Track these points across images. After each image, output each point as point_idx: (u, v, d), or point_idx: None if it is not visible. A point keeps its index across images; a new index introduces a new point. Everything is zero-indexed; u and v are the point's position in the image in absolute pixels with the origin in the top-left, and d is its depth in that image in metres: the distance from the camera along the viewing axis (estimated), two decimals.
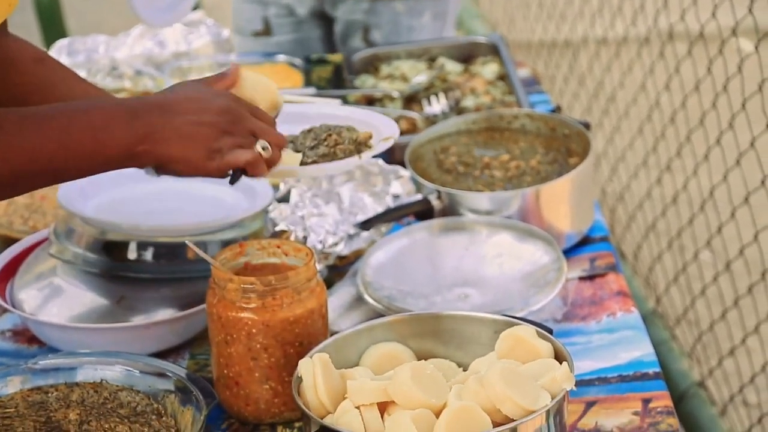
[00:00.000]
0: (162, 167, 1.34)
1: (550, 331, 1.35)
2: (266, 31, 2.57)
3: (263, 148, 1.37)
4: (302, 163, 1.48)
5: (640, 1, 2.94)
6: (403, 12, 2.44)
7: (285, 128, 1.51)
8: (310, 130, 1.54)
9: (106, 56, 2.23)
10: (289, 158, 1.48)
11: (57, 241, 1.67)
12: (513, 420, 1.22)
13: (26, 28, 3.34)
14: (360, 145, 1.52)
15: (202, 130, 1.32)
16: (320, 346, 1.38)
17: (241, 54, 2.34)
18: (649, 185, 3.04)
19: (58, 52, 2.23)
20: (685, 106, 2.65)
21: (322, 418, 1.28)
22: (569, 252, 1.74)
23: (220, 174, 1.36)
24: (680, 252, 2.92)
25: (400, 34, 2.47)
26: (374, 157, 1.52)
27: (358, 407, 1.27)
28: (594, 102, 3.40)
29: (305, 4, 2.53)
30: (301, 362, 1.32)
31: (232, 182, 1.38)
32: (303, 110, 1.62)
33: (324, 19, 2.55)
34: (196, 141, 1.32)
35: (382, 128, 1.56)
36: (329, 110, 1.63)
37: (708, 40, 2.50)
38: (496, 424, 1.23)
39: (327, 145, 1.50)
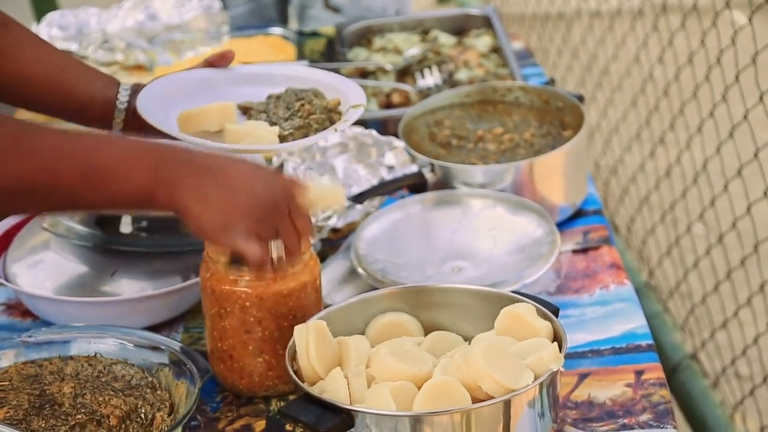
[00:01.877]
0: (176, 214, 1.28)
1: (556, 311, 1.35)
2: (223, 5, 2.51)
3: (276, 249, 1.31)
4: (280, 137, 1.48)
5: None
6: None
7: (251, 91, 1.52)
8: (279, 98, 1.54)
9: (98, 29, 2.22)
10: (267, 135, 1.48)
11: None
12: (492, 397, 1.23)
13: (16, 1, 3.32)
14: (331, 113, 1.52)
15: (229, 204, 1.27)
16: (314, 318, 1.38)
17: (234, 28, 2.33)
18: (643, 158, 3.04)
19: (49, 24, 2.21)
20: (678, 78, 2.64)
21: (312, 385, 1.29)
22: (562, 225, 1.75)
23: (224, 248, 1.33)
24: (673, 225, 2.92)
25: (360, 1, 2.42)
26: (367, 128, 1.51)
27: (345, 376, 1.28)
28: (587, 75, 3.39)
29: None
30: (296, 328, 1.33)
31: (230, 263, 1.37)
32: (267, 71, 1.60)
33: None
34: (217, 211, 1.27)
35: (348, 93, 1.55)
36: (293, 72, 1.61)
37: (701, 13, 2.49)
38: (476, 400, 1.23)
39: (301, 116, 1.50)
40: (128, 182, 1.24)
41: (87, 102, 1.51)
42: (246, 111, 1.54)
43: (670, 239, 2.88)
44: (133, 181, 1.24)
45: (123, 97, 1.52)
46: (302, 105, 1.51)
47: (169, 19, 2.27)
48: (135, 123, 1.51)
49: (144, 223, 1.64)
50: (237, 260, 1.38)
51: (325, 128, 1.50)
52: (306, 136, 1.49)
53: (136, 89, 1.52)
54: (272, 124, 1.50)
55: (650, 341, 1.51)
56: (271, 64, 1.69)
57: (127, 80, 2.14)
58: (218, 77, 1.56)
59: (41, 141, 1.22)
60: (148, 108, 1.48)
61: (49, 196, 1.22)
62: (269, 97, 1.54)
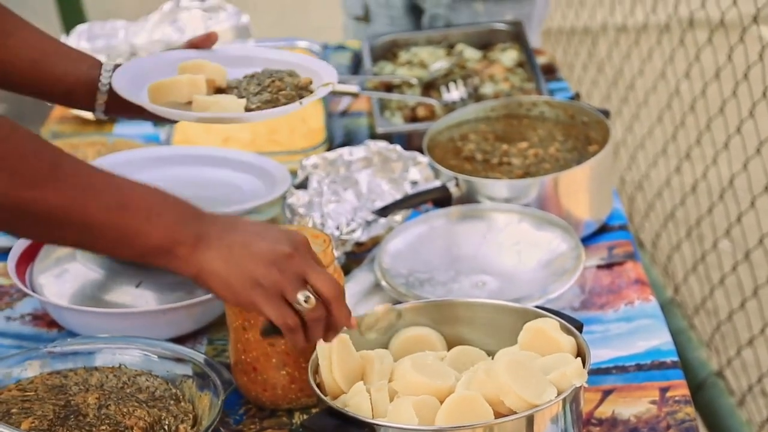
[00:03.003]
0: (197, 277, 1.23)
1: (580, 326, 1.35)
2: (366, 17, 2.57)
3: (305, 300, 1.23)
4: (247, 110, 1.50)
5: None
6: (482, 13, 2.40)
7: (230, 72, 1.56)
8: (253, 76, 1.57)
9: (125, 42, 2.23)
10: (233, 104, 1.51)
11: None
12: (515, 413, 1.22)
13: (45, 14, 3.35)
14: (302, 90, 1.55)
15: (253, 258, 1.22)
16: None
17: (260, 41, 2.34)
18: (669, 173, 3.03)
19: (78, 37, 2.23)
20: (705, 94, 2.63)
21: (335, 398, 1.29)
22: (587, 240, 1.74)
23: (252, 308, 1.25)
24: (699, 241, 2.91)
25: None
26: (392, 143, 1.52)
27: (368, 390, 1.28)
28: (613, 89, 3.39)
29: None
30: (319, 341, 1.33)
31: (264, 335, 1.29)
32: (247, 54, 1.63)
33: (416, 14, 2.52)
34: (242, 266, 1.22)
35: (322, 73, 1.58)
36: (273, 55, 1.64)
37: (729, 28, 2.48)
38: (498, 416, 1.23)
39: (270, 92, 1.52)
40: (154, 228, 1.21)
41: (73, 85, 1.53)
42: (219, 88, 1.57)
43: (696, 255, 2.87)
44: (158, 228, 1.21)
45: (105, 78, 1.53)
46: (273, 82, 1.54)
47: (197, 32, 2.29)
48: (117, 104, 1.52)
49: None
50: (271, 329, 1.28)
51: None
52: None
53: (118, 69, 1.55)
54: (241, 98, 1.53)
55: (675, 358, 1.50)
56: (255, 46, 1.74)
57: None
58: (199, 58, 1.59)
59: (78, 172, 1.21)
60: (122, 82, 1.51)
61: (72, 228, 1.20)
62: (245, 76, 1.57)
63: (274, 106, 1.51)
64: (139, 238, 1.21)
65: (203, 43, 1.60)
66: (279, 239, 1.24)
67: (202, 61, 1.58)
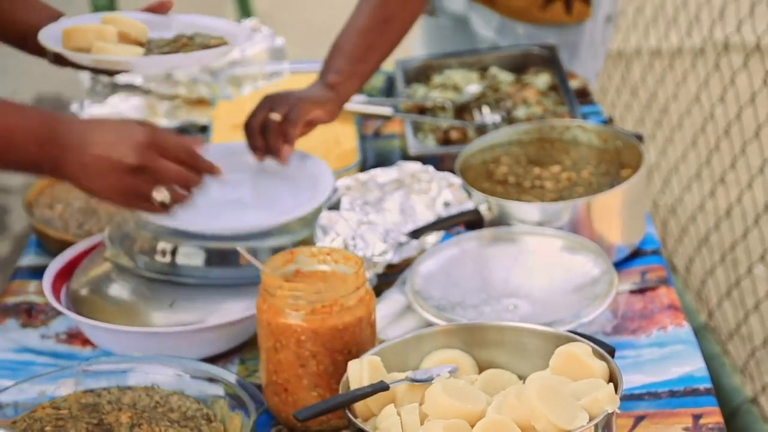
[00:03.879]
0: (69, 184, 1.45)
1: (612, 351, 1.34)
2: (432, 11, 2.52)
3: (162, 199, 1.46)
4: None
5: (695, 12, 2.91)
6: (523, 35, 2.38)
7: (154, 33, 1.65)
8: (174, 37, 1.66)
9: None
10: (128, 51, 1.59)
11: (111, 245, 1.70)
12: None
13: (78, 2, 3.38)
14: (206, 48, 1.62)
15: (106, 172, 1.42)
16: (368, 353, 1.38)
17: (294, 62, 2.35)
18: (702, 198, 3.01)
19: None
20: (740, 118, 2.62)
21: (365, 421, 1.29)
22: (620, 265, 1.73)
23: (117, 203, 1.47)
24: (733, 266, 2.88)
25: None
26: (424, 164, 1.51)
27: (398, 413, 1.28)
28: (647, 113, 3.37)
29: (456, 1, 2.47)
30: (350, 363, 1.33)
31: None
32: (180, 20, 1.71)
33: (464, 35, 2.50)
34: (99, 179, 1.43)
35: (241, 38, 1.66)
36: (203, 21, 1.72)
37: (764, 52, 2.47)
38: None
39: (175, 47, 1.62)
40: (19, 152, 1.41)
41: (28, 30, 1.63)
42: (137, 42, 1.65)
43: (730, 280, 2.84)
44: (22, 153, 1.41)
45: None
46: (183, 39, 1.64)
47: (232, 54, 2.31)
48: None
49: (203, 255, 1.66)
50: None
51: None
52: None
53: None
54: (148, 50, 1.62)
55: (709, 384, 1.49)
56: (201, 16, 1.80)
57: (188, 114, 2.19)
58: (147, 20, 1.67)
59: None
60: (51, 30, 1.61)
61: None
62: (168, 36, 1.66)
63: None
64: (10, 161, 1.42)
65: (159, 8, 1.69)
66: (126, 152, 1.42)
67: (123, 17, 1.65)
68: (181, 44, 1.62)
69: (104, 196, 1.45)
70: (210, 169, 1.50)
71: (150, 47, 1.62)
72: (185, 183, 1.48)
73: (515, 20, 2.38)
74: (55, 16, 1.66)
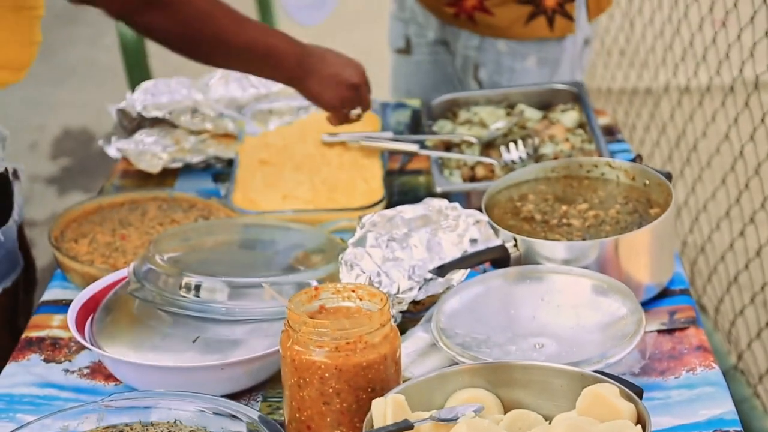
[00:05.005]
0: (302, 92, 2.00)
1: (640, 392, 1.32)
2: (407, 49, 2.62)
3: (357, 114, 2.07)
4: None
5: (725, 50, 2.90)
6: (505, 52, 2.42)
7: None
8: None
9: (189, 98, 2.27)
10: None
11: (136, 280, 1.69)
12: None
13: (112, 69, 3.42)
14: None
15: (335, 86, 1.99)
16: (393, 391, 1.37)
17: None
18: (732, 238, 2.98)
19: (143, 92, 2.27)
20: None
21: None
22: (648, 304, 1.71)
23: (332, 110, 2.04)
24: (764, 307, 2.85)
25: (501, 75, 2.45)
26: (451, 201, 1.51)
27: None
28: (675, 151, 3.35)
29: (433, 28, 2.54)
30: (374, 402, 1.32)
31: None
32: None
33: (450, 50, 2.57)
34: (330, 90, 1.99)
35: None
36: None
37: None
38: None
39: None
40: (281, 66, 1.94)
41: None
42: None
43: (761, 322, 2.81)
44: (283, 67, 1.94)
45: None
46: None
47: (258, 90, 2.31)
48: None
49: (227, 291, 1.65)
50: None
51: None
52: None
53: None
54: None
55: (739, 428, 1.47)
56: None
57: (215, 149, 2.20)
58: None
59: (249, 24, 1.92)
60: None
61: (244, 61, 1.94)
62: None
63: None
64: (267, 68, 1.97)
65: None
66: (352, 73, 2.01)
67: None
68: None
69: (328, 102, 2.00)
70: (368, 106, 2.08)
71: None
72: (368, 107, 2.07)
73: (496, 38, 2.42)
74: None
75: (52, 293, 1.86)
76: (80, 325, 1.67)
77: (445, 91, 2.61)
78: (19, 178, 1.94)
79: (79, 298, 1.72)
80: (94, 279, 1.78)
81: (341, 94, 2.00)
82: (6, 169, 1.89)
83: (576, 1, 2.41)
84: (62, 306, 1.80)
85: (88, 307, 1.71)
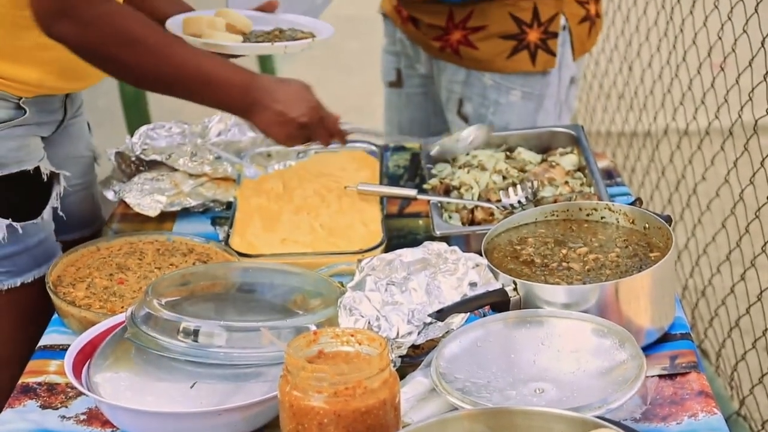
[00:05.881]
0: (248, 120, 1.95)
1: None
2: (398, 82, 2.67)
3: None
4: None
5: (723, 94, 2.91)
6: (490, 85, 2.47)
7: (257, 26, 2.08)
8: (273, 31, 2.06)
9: (187, 142, 2.27)
10: (229, 37, 2.01)
11: (133, 324, 1.68)
12: None
13: (111, 112, 3.43)
14: (295, 41, 2.02)
15: (282, 123, 1.93)
16: None
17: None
18: (733, 281, 2.97)
19: (141, 137, 2.27)
20: None
21: None
22: (649, 349, 1.70)
23: (282, 145, 2.01)
24: (766, 351, 2.83)
25: (487, 109, 2.49)
26: (450, 245, 1.50)
27: None
28: (675, 195, 3.35)
29: (422, 61, 2.59)
30: None
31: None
32: (280, 17, 2.13)
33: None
34: (276, 127, 1.93)
35: (324, 33, 2.07)
36: (296, 19, 2.13)
37: None
38: None
39: (267, 38, 2.04)
40: (224, 96, 1.89)
41: (163, 20, 2.03)
42: (242, 33, 2.06)
43: (763, 367, 2.79)
44: (226, 97, 1.89)
45: None
46: (276, 32, 2.05)
47: (258, 133, 2.32)
48: None
49: (225, 335, 1.64)
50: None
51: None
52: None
53: None
54: (246, 39, 2.03)
55: None
56: (299, 16, 2.16)
57: (213, 192, 2.20)
58: (255, 16, 2.10)
59: (181, 49, 1.87)
60: (175, 19, 2.04)
61: (178, 86, 1.87)
62: (265, 30, 2.07)
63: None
64: (213, 100, 1.90)
65: (267, 7, 2.15)
66: (301, 111, 1.93)
67: (233, 12, 2.06)
68: (273, 36, 2.04)
69: (276, 138, 1.95)
70: (341, 139, 2.03)
71: (249, 37, 2.04)
72: (326, 143, 2.02)
73: (482, 71, 2.45)
74: (187, 9, 2.09)
75: (49, 338, 1.85)
76: (77, 371, 1.66)
77: (436, 123, 2.65)
78: (60, 183, 2.05)
79: (77, 343, 1.71)
80: (92, 324, 1.77)
81: (288, 132, 1.94)
82: (51, 173, 2.02)
83: (560, 39, 2.46)
84: (59, 351, 1.79)
85: (86, 353, 1.70)
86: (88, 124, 2.22)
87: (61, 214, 2.06)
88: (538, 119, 2.51)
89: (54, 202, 2.03)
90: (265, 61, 4.40)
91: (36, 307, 1.98)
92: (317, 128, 1.96)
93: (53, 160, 2.05)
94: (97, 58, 1.82)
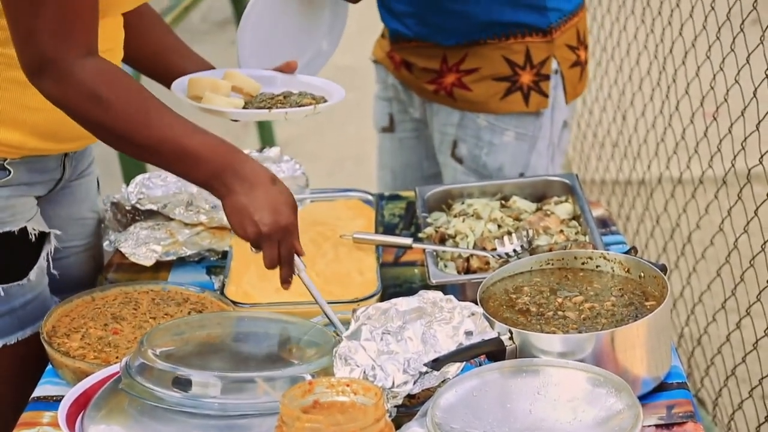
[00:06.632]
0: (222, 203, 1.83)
1: None
2: (391, 127, 2.69)
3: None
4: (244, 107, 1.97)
5: (716, 143, 2.92)
6: (484, 126, 2.49)
7: (267, 89, 2.04)
8: (281, 94, 2.01)
9: (183, 191, 2.27)
10: (228, 103, 1.95)
11: (128, 375, 1.68)
12: None
13: (107, 162, 3.43)
14: (300, 107, 1.96)
15: (243, 219, 1.80)
16: None
17: (315, 191, 2.37)
18: (729, 330, 2.96)
19: (138, 185, 2.27)
20: (765, 250, 2.59)
21: None
22: (645, 398, 1.69)
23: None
24: (763, 401, 2.82)
25: (481, 150, 2.50)
26: (446, 293, 1.50)
27: None
28: (670, 243, 3.36)
29: (415, 106, 2.61)
30: None
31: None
32: (291, 78, 2.09)
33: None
34: (236, 219, 1.81)
35: (335, 95, 2.01)
36: (307, 80, 2.09)
37: None
38: None
39: (270, 103, 1.96)
40: (197, 172, 1.79)
41: (179, 77, 2.04)
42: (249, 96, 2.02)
43: (760, 416, 2.78)
44: (199, 174, 1.79)
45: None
46: (280, 97, 1.99)
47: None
48: None
49: (220, 385, 1.63)
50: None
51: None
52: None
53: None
54: (248, 103, 1.98)
55: None
56: (316, 78, 2.12)
57: (209, 241, 2.20)
58: (271, 77, 2.08)
59: (158, 116, 1.77)
60: (183, 79, 2.02)
61: (152, 155, 1.79)
62: (276, 93, 2.03)
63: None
64: (190, 175, 1.81)
65: (285, 68, 2.11)
66: (266, 220, 1.80)
67: (241, 74, 2.02)
68: (276, 101, 1.97)
69: (231, 226, 1.83)
70: (288, 270, 1.87)
71: (254, 100, 1.99)
72: (269, 265, 1.86)
73: (476, 112, 2.48)
74: (203, 65, 2.07)
75: (43, 389, 1.84)
76: (71, 422, 1.65)
77: (428, 166, 2.67)
78: (50, 242, 2.02)
79: (71, 394, 1.70)
80: (86, 374, 1.76)
81: (245, 231, 1.80)
82: (45, 233, 2.00)
83: (552, 82, 2.49)
84: (53, 402, 1.77)
85: (80, 403, 1.69)
86: (98, 183, 2.19)
87: (54, 272, 2.03)
88: (531, 160, 2.53)
89: (43, 262, 1.99)
90: (263, 121, 4.43)
91: (23, 364, 1.95)
92: (270, 247, 1.82)
93: (53, 219, 2.02)
94: (75, 116, 1.77)
